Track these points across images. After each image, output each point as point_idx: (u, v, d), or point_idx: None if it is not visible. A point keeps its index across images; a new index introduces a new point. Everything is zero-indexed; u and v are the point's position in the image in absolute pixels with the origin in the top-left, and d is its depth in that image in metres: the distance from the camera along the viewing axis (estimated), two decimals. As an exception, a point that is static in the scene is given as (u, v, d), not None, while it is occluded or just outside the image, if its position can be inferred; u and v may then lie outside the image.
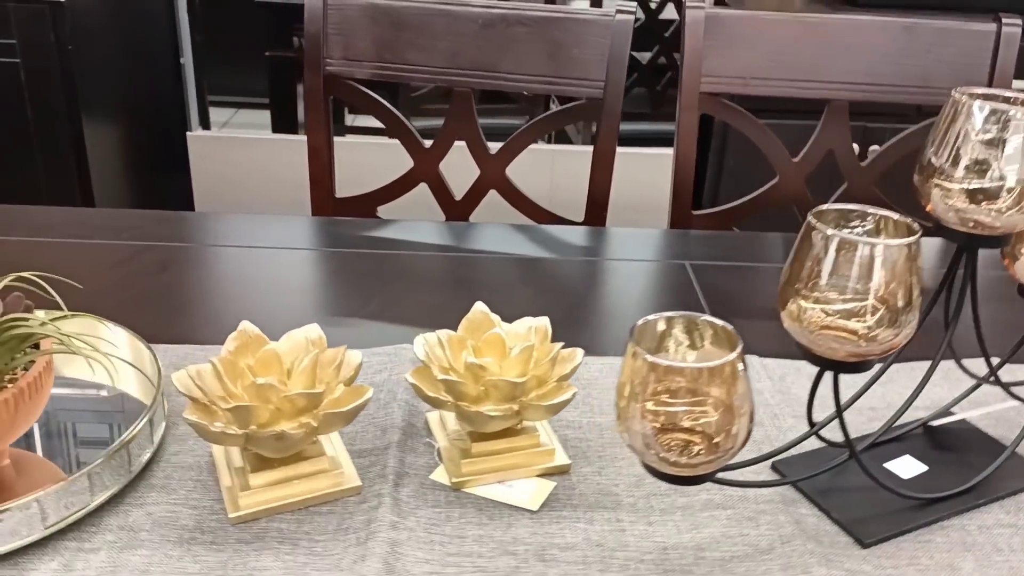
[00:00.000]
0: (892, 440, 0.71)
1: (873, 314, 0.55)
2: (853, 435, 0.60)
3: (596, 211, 1.27)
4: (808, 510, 0.64)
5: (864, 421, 0.73)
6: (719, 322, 0.54)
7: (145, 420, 0.64)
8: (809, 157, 1.27)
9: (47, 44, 1.72)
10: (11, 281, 0.62)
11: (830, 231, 0.55)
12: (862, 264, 0.54)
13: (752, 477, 0.65)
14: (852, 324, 0.56)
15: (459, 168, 1.31)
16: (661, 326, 0.56)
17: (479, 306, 0.69)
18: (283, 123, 2.41)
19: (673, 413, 0.55)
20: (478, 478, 0.66)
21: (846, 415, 0.59)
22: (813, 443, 0.65)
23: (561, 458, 0.68)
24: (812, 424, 0.63)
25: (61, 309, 0.63)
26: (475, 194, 1.30)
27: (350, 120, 2.49)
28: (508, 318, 0.70)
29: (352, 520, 0.62)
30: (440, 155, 1.29)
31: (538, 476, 0.67)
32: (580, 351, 0.68)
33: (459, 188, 1.30)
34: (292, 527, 0.61)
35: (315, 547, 0.59)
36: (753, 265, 1.07)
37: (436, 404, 0.66)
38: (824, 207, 0.57)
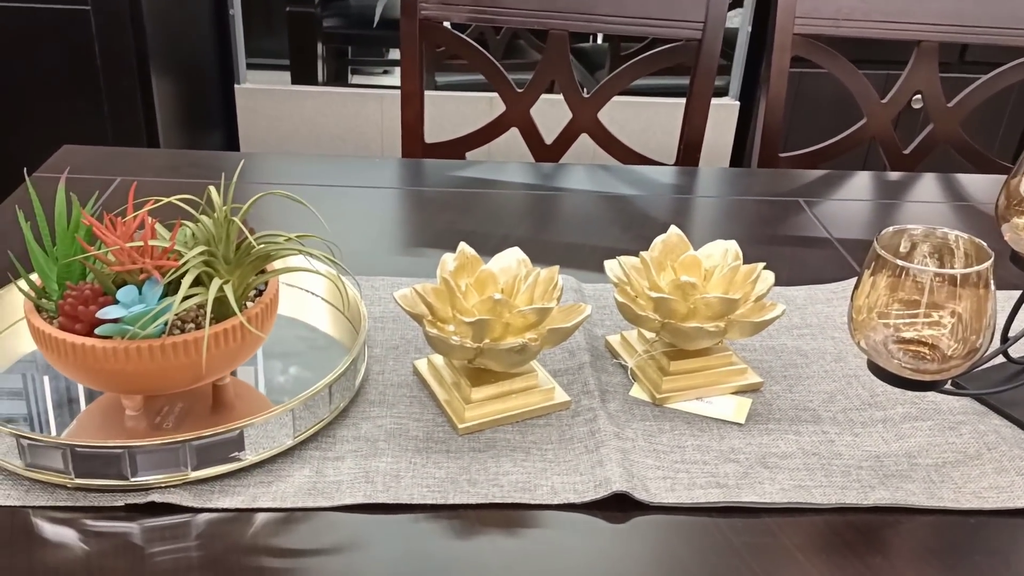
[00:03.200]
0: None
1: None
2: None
3: (690, 154, 1.29)
4: (1000, 421, 0.67)
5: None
6: (964, 236, 0.57)
7: (362, 340, 0.66)
8: (896, 99, 1.29)
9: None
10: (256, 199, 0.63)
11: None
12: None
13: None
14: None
15: (550, 117, 1.32)
16: (903, 237, 0.58)
17: (674, 230, 0.71)
18: (303, 81, 2.39)
19: (912, 322, 0.57)
20: (679, 394, 0.68)
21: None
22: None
23: (753, 377, 0.71)
24: (1006, 339, 0.66)
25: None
26: (566, 138, 1.31)
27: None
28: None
29: (573, 431, 0.64)
30: (532, 99, 1.29)
31: (732, 393, 0.70)
32: (771, 273, 0.70)
33: (549, 135, 1.31)
34: (517, 437, 0.63)
35: (546, 454, 0.62)
36: (865, 200, 1.10)
37: (641, 323, 0.68)
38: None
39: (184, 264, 0.57)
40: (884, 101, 1.29)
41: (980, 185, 1.17)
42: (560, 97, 1.28)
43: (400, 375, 0.70)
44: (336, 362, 0.64)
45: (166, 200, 0.62)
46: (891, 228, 0.58)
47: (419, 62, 1.28)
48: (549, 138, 1.31)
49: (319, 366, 0.68)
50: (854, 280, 0.88)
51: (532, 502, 0.58)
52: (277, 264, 0.64)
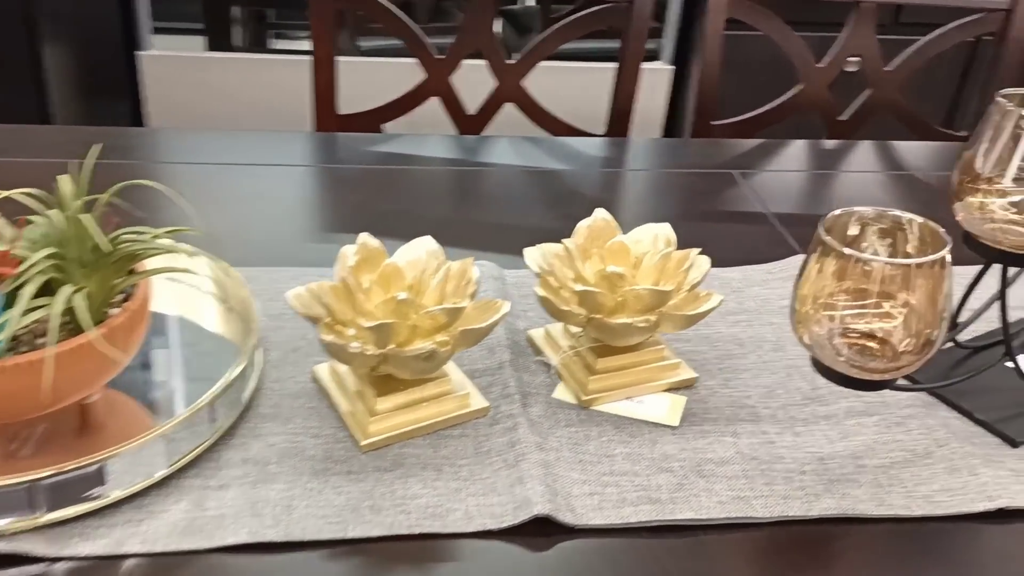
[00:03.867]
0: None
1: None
2: (979, 334, 0.59)
3: (620, 122, 1.22)
4: (948, 413, 0.63)
5: (984, 325, 0.72)
6: (918, 219, 0.51)
7: (251, 347, 0.58)
8: (834, 62, 1.25)
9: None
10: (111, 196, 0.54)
11: None
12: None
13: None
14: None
15: (474, 85, 1.24)
16: (851, 220, 0.52)
17: (600, 213, 0.65)
18: (219, 47, 2.24)
19: (860, 314, 0.52)
20: (606, 395, 0.62)
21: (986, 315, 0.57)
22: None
23: (687, 372, 0.65)
24: (956, 325, 0.62)
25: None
26: (490, 108, 1.23)
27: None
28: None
29: (491, 442, 0.58)
30: (453, 66, 1.21)
31: (665, 391, 0.64)
32: (706, 259, 0.64)
33: (473, 104, 1.23)
34: (428, 452, 0.57)
35: (460, 471, 0.55)
36: (802, 171, 1.05)
37: (565, 318, 0.62)
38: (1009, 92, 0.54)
39: (26, 270, 0.48)
40: (821, 65, 1.24)
41: (920, 153, 1.13)
42: (485, 63, 1.20)
43: (299, 383, 0.62)
44: (226, 368, 0.56)
45: (5, 193, 0.53)
46: (837, 210, 0.52)
47: (331, 24, 1.19)
48: (472, 107, 1.23)
49: (209, 374, 0.60)
50: (791, 259, 0.84)
51: (443, 531, 0.51)
52: (156, 262, 0.55)
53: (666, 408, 0.62)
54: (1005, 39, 1.23)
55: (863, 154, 1.11)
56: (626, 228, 0.65)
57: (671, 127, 2.06)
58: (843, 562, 0.52)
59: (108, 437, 0.55)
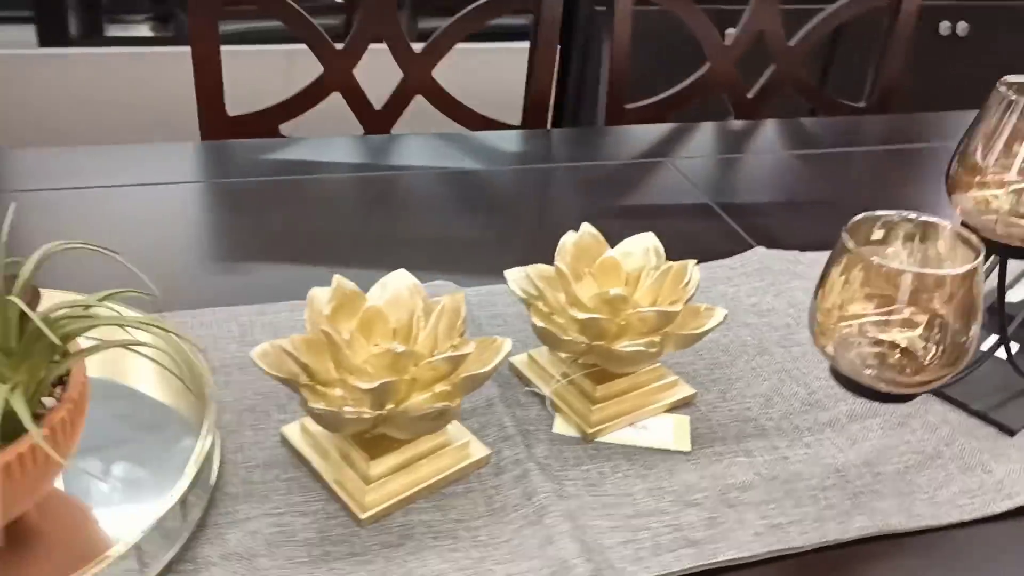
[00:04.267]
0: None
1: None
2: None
3: (537, 113, 1.17)
4: (944, 406, 0.62)
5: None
6: (946, 223, 0.49)
7: (211, 419, 0.50)
8: (739, 41, 1.24)
9: None
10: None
11: None
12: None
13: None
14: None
15: (377, 76, 1.15)
16: (875, 224, 0.49)
17: (587, 228, 0.60)
18: (51, 39, 1.99)
19: (884, 323, 0.49)
20: (610, 424, 0.58)
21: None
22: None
23: (685, 388, 0.61)
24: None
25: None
26: (398, 102, 1.15)
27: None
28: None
29: (503, 496, 0.52)
30: (356, 57, 1.12)
31: (666, 412, 0.60)
32: (698, 269, 0.60)
33: (378, 98, 1.14)
34: (436, 516, 0.50)
35: (478, 535, 0.49)
36: (737, 155, 1.03)
37: (563, 348, 0.56)
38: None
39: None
40: (727, 44, 1.23)
41: (840, 127, 1.14)
42: (386, 47, 1.12)
43: (265, 449, 0.54)
44: (176, 444, 0.47)
45: None
46: (860, 215, 0.49)
47: (214, 18, 1.07)
48: (378, 103, 1.14)
49: (154, 455, 0.51)
50: (751, 253, 0.81)
51: (479, 613, 0.45)
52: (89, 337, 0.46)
53: (672, 431, 0.58)
54: (899, 11, 1.26)
55: (791, 132, 1.11)
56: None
57: (560, 113, 2.01)
58: (888, 583, 0.50)
59: (48, 549, 0.45)
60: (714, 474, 0.55)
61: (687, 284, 0.57)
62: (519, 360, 0.63)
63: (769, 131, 1.11)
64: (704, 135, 1.09)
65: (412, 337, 0.50)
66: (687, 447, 0.57)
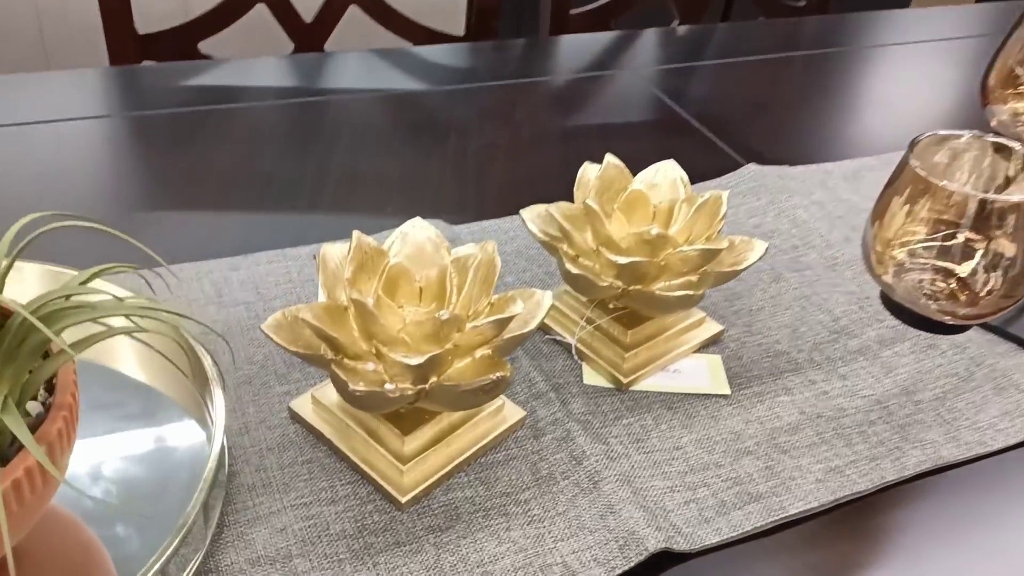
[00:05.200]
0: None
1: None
2: None
3: (484, 22, 1.09)
4: (967, 326, 0.61)
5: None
6: (1018, 146, 0.46)
7: (220, 399, 0.43)
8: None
9: None
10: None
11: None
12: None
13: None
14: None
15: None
16: (942, 147, 0.46)
17: (611, 159, 0.54)
18: None
19: (946, 252, 0.46)
20: (643, 372, 0.54)
21: None
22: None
23: (713, 325, 0.58)
24: None
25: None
26: (330, 13, 1.04)
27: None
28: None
29: (549, 461, 0.47)
30: (280, -38, 1.00)
31: (695, 352, 0.57)
32: (724, 193, 0.56)
33: (308, 8, 1.04)
34: (481, 492, 0.46)
35: (530, 508, 0.45)
36: (711, 61, 0.98)
37: (598, 293, 0.51)
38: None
39: None
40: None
41: (801, 28, 1.10)
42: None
43: (274, 428, 0.48)
44: (176, 438, 0.41)
45: None
46: (924, 136, 0.45)
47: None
48: (308, 14, 1.03)
49: (155, 457, 0.44)
50: (743, 171, 0.77)
51: (551, 599, 0.41)
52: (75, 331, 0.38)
53: (707, 374, 0.55)
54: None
55: (744, 36, 1.06)
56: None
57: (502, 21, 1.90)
58: (945, 511, 0.48)
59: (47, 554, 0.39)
60: (759, 417, 0.52)
61: (722, 218, 0.53)
62: (532, 305, 0.57)
63: (722, 36, 1.06)
64: (655, 41, 1.03)
65: (446, 298, 0.44)
66: (726, 390, 0.54)
